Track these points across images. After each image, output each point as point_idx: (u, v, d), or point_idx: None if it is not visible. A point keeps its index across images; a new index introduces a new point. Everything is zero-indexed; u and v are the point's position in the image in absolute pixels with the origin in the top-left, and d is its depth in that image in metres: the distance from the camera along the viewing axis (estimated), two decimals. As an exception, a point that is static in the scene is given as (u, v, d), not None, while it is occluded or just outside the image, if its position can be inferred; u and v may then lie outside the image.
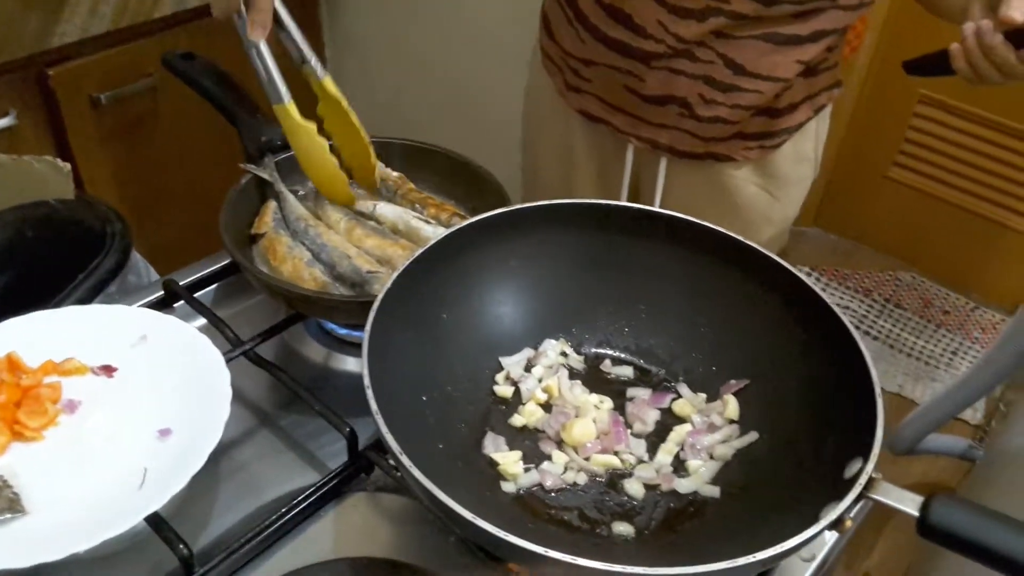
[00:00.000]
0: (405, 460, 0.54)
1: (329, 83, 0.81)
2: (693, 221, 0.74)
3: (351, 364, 0.83)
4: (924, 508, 0.53)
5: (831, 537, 0.68)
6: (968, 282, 2.32)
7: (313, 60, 0.80)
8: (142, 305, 0.81)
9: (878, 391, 0.61)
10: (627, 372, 0.76)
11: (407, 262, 0.68)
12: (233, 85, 0.92)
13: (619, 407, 0.73)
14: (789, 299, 0.70)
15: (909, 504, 0.54)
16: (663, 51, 0.89)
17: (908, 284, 2.34)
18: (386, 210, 0.87)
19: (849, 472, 0.58)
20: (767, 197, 1.03)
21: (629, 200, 1.07)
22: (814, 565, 0.66)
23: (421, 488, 0.53)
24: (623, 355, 0.77)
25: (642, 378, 0.76)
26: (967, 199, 2.24)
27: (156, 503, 0.60)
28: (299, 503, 0.67)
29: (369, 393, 0.57)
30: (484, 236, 0.74)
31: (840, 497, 0.55)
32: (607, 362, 0.76)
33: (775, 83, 0.90)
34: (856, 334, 0.64)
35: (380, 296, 0.65)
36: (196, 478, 0.70)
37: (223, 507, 0.70)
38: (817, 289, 0.68)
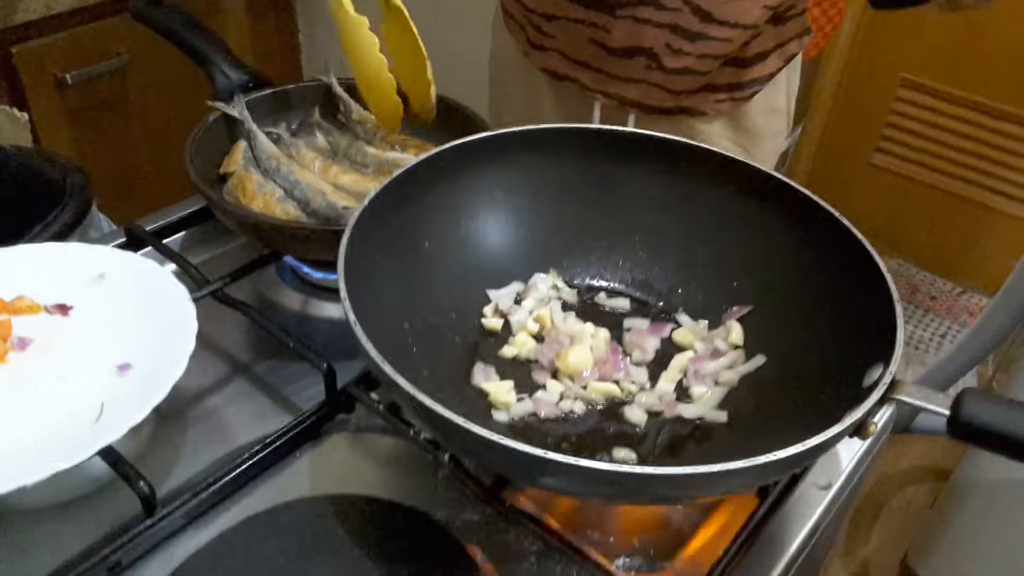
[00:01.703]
0: (388, 369, 0.49)
1: None
2: (687, 142, 0.70)
3: (329, 310, 0.78)
4: (955, 405, 0.49)
5: (848, 463, 0.63)
6: (954, 267, 2.30)
7: None
8: (102, 248, 0.76)
9: (895, 294, 0.56)
10: (623, 304, 0.71)
11: (385, 182, 0.63)
12: (203, 27, 0.88)
13: (616, 338, 0.68)
14: (792, 217, 0.66)
15: (938, 402, 0.50)
16: None
17: (894, 271, 2.31)
18: (366, 148, 0.82)
19: (869, 380, 0.53)
20: (741, 152, 0.99)
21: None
22: (831, 493, 0.62)
23: (407, 398, 0.48)
24: (619, 286, 0.73)
25: (639, 310, 0.71)
26: (951, 183, 2.22)
27: (112, 435, 0.54)
28: (271, 443, 0.62)
29: (345, 302, 0.52)
30: (467, 163, 0.70)
31: (862, 401, 0.50)
32: (602, 295, 0.72)
33: (743, 30, 0.87)
34: (865, 240, 0.60)
35: (356, 214, 0.60)
36: (162, 425, 0.66)
37: (190, 452, 0.64)
38: (822, 202, 0.64)
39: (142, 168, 1.62)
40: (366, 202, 0.61)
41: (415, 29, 0.79)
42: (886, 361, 0.53)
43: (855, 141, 2.29)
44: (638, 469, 0.44)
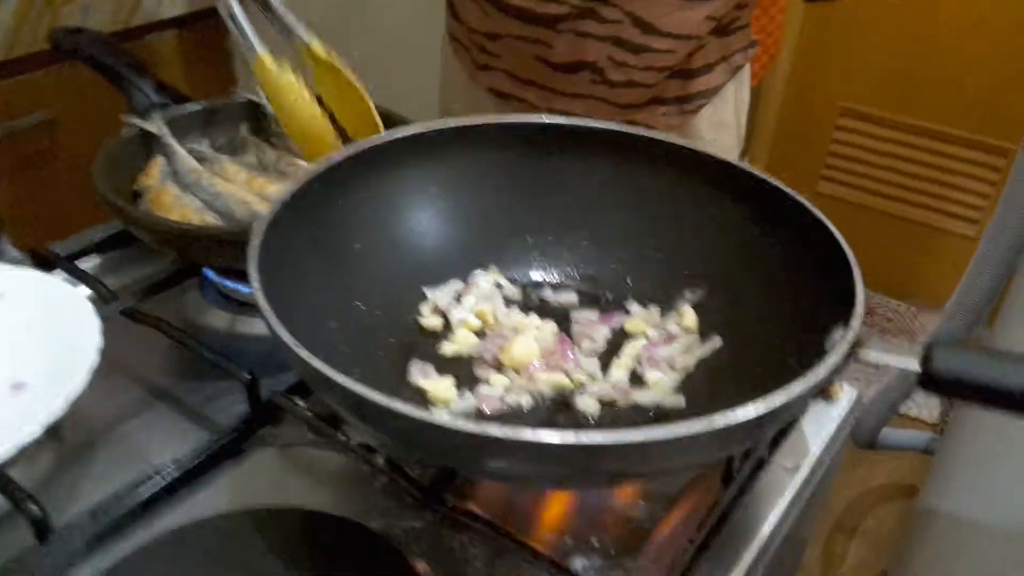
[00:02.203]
0: (303, 354, 0.44)
1: (318, 47, 0.75)
2: (626, 130, 0.67)
3: (260, 327, 0.72)
4: (925, 358, 0.45)
5: (817, 445, 0.59)
6: (907, 288, 2.31)
7: (300, 28, 0.75)
8: (5, 273, 0.70)
9: (851, 256, 0.53)
10: (571, 298, 0.67)
11: (307, 176, 0.59)
12: (122, 51, 0.84)
13: (564, 330, 0.64)
14: (740, 196, 0.63)
15: (907, 355, 0.46)
16: (567, 12, 0.85)
17: (850, 296, 2.32)
18: (298, 161, 0.78)
19: (830, 344, 0.50)
20: None
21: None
22: (800, 476, 0.57)
23: (326, 383, 0.43)
24: (565, 281, 0.69)
25: (588, 302, 0.67)
26: (897, 206, 2.25)
27: None
28: (186, 463, 0.56)
29: (255, 282, 0.48)
30: (397, 159, 0.66)
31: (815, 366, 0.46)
32: (547, 290, 0.68)
33: (686, 41, 0.87)
34: (815, 209, 0.57)
35: (274, 206, 0.56)
36: (69, 452, 0.60)
37: (98, 479, 0.58)
38: (767, 176, 0.61)
39: (72, 219, 1.55)
40: (285, 195, 0.57)
41: (353, 77, 0.77)
42: (846, 321, 0.49)
43: (800, 172, 2.31)
44: (589, 437, 0.39)
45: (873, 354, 0.47)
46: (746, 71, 0.99)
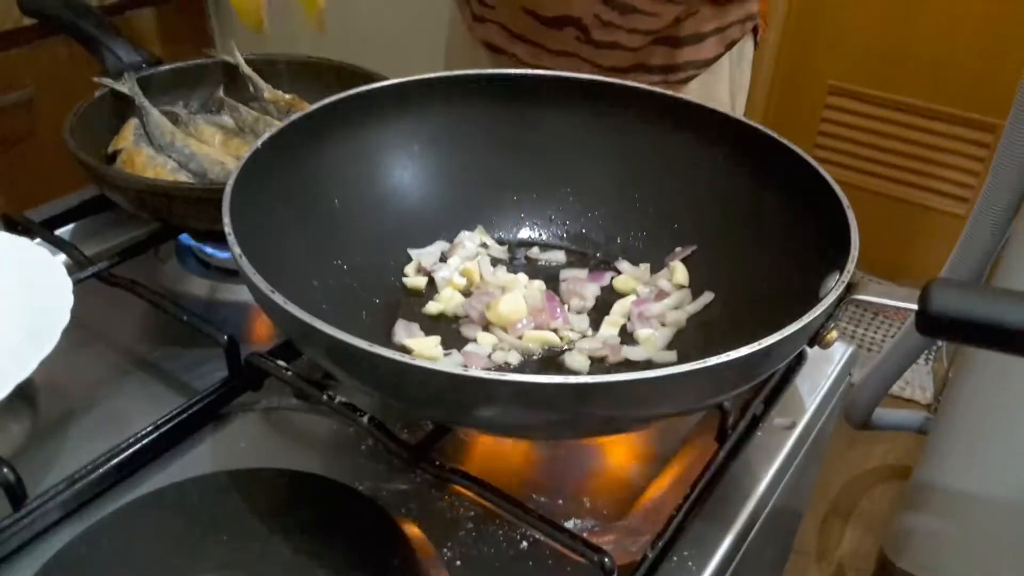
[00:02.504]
0: (278, 298, 0.42)
1: None
2: (610, 81, 0.65)
3: (239, 293, 0.70)
4: (923, 298, 0.44)
5: (812, 400, 0.58)
6: (897, 268, 2.30)
7: None
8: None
9: (844, 199, 0.52)
10: (559, 257, 0.65)
11: (280, 125, 0.57)
12: (94, 12, 0.81)
13: (552, 289, 0.62)
14: (728, 145, 0.62)
15: (902, 298, 0.45)
16: None
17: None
18: (276, 122, 0.76)
19: (824, 290, 0.48)
20: None
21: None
22: (796, 433, 0.56)
23: (310, 332, 0.41)
24: (552, 240, 0.67)
25: (577, 261, 0.65)
26: (887, 185, 2.24)
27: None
28: (162, 425, 0.54)
29: (229, 235, 0.46)
30: (374, 113, 0.64)
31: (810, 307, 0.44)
32: (535, 249, 0.66)
33: (674, 5, 0.84)
34: (805, 154, 0.56)
35: (246, 155, 0.54)
36: (44, 419, 0.58)
37: (74, 445, 0.56)
38: (756, 124, 0.60)
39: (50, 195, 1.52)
40: (258, 144, 0.55)
41: None
42: (841, 267, 0.48)
43: (790, 151, 2.29)
44: (581, 379, 0.37)
45: (867, 296, 0.46)
46: (748, 50, 0.95)
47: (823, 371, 0.61)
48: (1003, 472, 1.18)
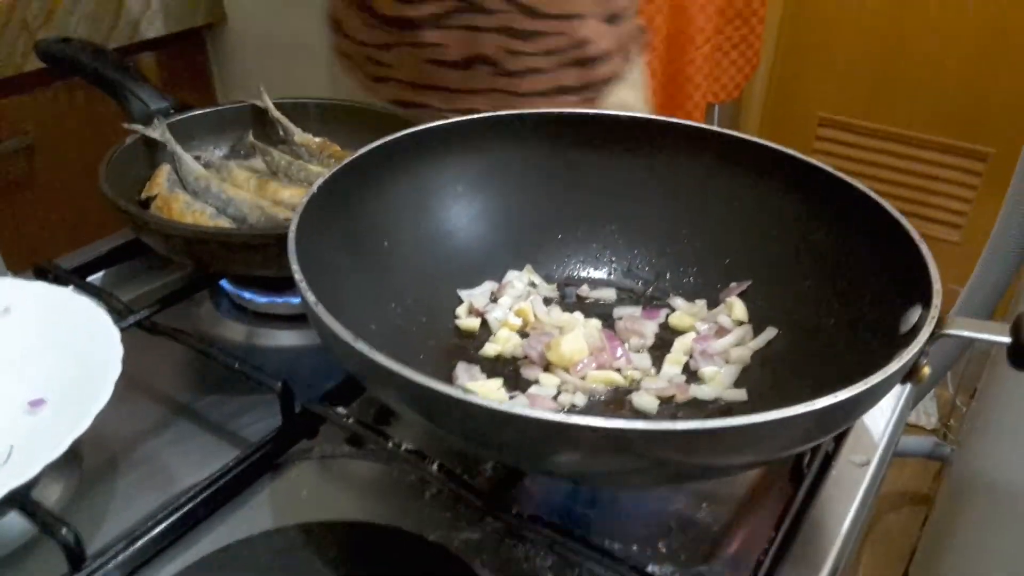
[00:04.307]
0: (362, 347, 0.41)
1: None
2: (652, 119, 0.65)
3: (279, 338, 0.69)
4: (1016, 329, 0.43)
5: (882, 435, 0.57)
6: (894, 296, 2.32)
7: None
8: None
9: (914, 233, 0.51)
10: (609, 294, 0.64)
11: (334, 169, 0.56)
12: (115, 59, 0.80)
13: (608, 327, 0.61)
14: (778, 178, 0.61)
15: (994, 331, 0.44)
16: (445, 9, 0.83)
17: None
18: (309, 166, 0.75)
19: (907, 325, 0.47)
20: None
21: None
22: (871, 469, 0.55)
23: (385, 375, 0.40)
24: (602, 276, 0.66)
25: (628, 299, 0.64)
26: (880, 214, 2.25)
27: (22, 477, 0.44)
28: (219, 478, 0.52)
29: (296, 272, 0.44)
30: (422, 154, 0.63)
31: (907, 345, 0.44)
32: (584, 287, 0.65)
33: (575, 21, 0.85)
34: (869, 189, 0.55)
35: (304, 201, 0.53)
36: (91, 476, 0.55)
37: (124, 502, 0.53)
38: (805, 157, 0.59)
39: (55, 243, 1.50)
40: (314, 188, 0.54)
41: None
42: (925, 301, 0.47)
43: (783, 182, 2.31)
44: (687, 424, 0.36)
45: (959, 331, 0.45)
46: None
47: (888, 404, 0.60)
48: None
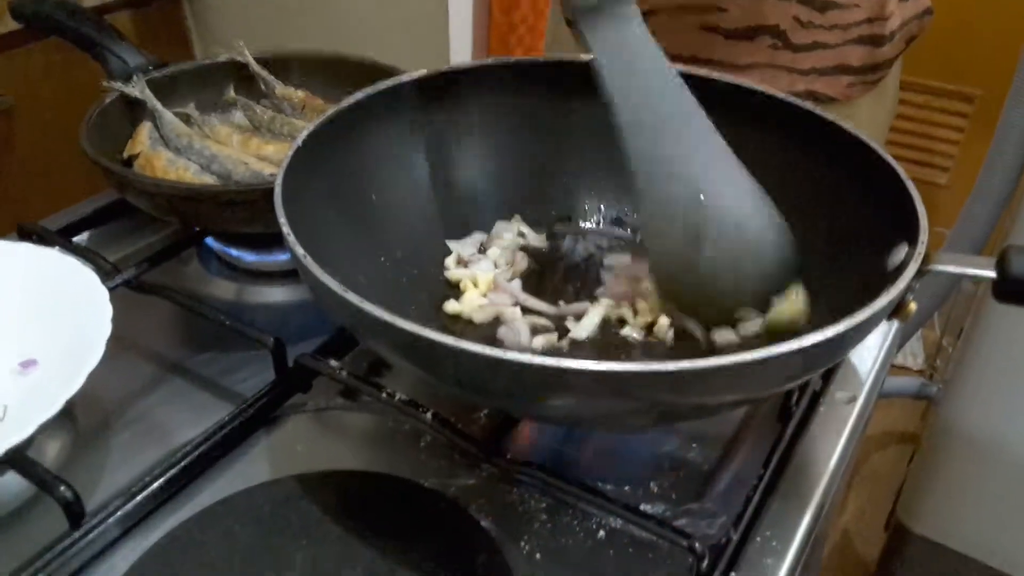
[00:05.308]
0: (353, 298, 0.41)
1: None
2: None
3: (268, 295, 0.69)
4: (1001, 264, 0.44)
5: (869, 373, 0.58)
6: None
7: None
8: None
9: (902, 172, 0.51)
10: (599, 242, 0.64)
11: (319, 121, 0.56)
12: (93, 17, 0.79)
13: (597, 273, 0.61)
14: (770, 125, 0.61)
15: (980, 265, 0.45)
16: None
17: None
18: (292, 120, 0.74)
19: (894, 263, 0.48)
20: None
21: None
22: (857, 407, 0.56)
23: (378, 325, 0.40)
24: (591, 226, 0.66)
25: (618, 247, 0.64)
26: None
27: (17, 436, 0.45)
28: (214, 434, 0.52)
29: (284, 226, 0.44)
30: (406, 107, 0.62)
31: (894, 281, 0.44)
32: (575, 236, 0.65)
33: None
34: (856, 130, 0.55)
35: (290, 153, 0.52)
36: (85, 435, 0.56)
37: (120, 460, 0.54)
38: (798, 102, 0.59)
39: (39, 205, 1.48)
40: (298, 142, 0.53)
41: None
42: (912, 239, 0.47)
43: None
44: (677, 365, 0.36)
45: (944, 267, 0.45)
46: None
47: (875, 343, 0.61)
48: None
